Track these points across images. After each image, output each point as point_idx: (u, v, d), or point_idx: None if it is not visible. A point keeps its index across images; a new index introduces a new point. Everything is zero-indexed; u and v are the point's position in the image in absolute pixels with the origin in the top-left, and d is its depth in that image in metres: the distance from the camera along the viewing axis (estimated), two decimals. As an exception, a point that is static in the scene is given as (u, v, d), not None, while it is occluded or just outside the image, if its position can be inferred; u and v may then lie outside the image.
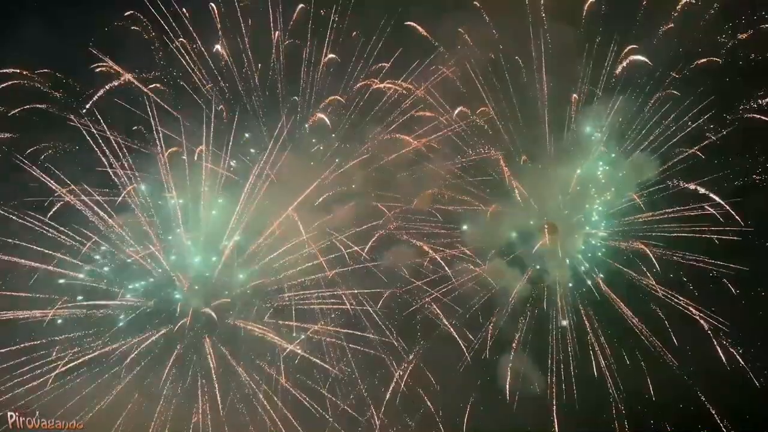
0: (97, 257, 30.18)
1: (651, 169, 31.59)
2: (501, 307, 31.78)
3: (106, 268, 30.09)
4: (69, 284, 29.48)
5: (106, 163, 29.84)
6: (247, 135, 31.83)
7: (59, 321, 29.09)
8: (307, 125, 32.04)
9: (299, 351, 29.86)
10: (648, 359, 30.25)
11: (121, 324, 29.66)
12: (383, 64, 31.47)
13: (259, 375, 30.11)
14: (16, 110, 29.55)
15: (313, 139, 32.01)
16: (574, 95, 31.79)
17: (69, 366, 28.45)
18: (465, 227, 32.48)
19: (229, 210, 30.66)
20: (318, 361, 30.00)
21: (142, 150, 30.77)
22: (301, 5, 31.63)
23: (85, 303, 29.47)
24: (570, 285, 32.40)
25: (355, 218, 31.16)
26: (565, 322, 31.51)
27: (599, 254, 32.45)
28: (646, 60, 30.61)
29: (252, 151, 31.04)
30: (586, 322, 31.57)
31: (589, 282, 32.03)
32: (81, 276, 29.71)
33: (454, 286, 31.30)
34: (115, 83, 30.16)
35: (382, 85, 31.55)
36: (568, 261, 32.60)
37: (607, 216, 32.69)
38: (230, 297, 30.57)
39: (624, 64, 30.93)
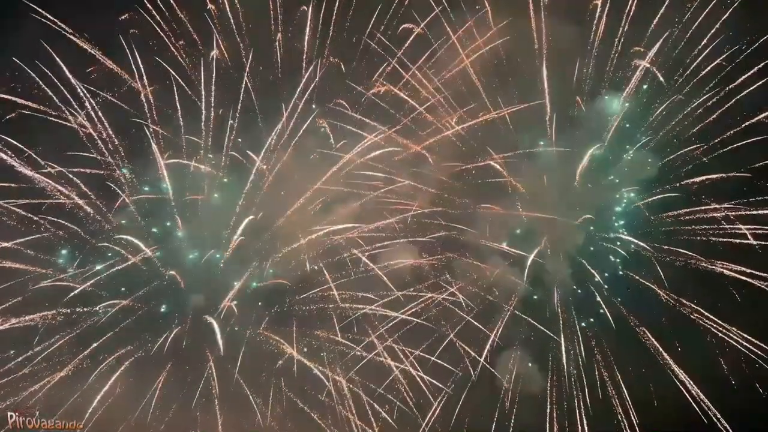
0: (95, 260, 30.17)
1: (652, 171, 31.60)
2: (501, 310, 31.70)
3: (104, 273, 29.97)
4: (67, 287, 29.37)
5: (103, 165, 29.98)
6: (247, 137, 31.68)
7: (55, 325, 29.13)
8: (305, 126, 31.92)
9: (300, 357, 29.88)
10: (650, 364, 30.29)
11: (118, 329, 29.61)
12: (384, 66, 31.29)
13: (259, 381, 30.15)
14: (14, 113, 29.41)
15: (314, 142, 31.82)
16: (577, 96, 31.79)
17: (66, 370, 28.59)
18: (465, 229, 32.30)
19: (228, 213, 30.62)
20: (318, 366, 30.02)
21: (140, 152, 30.66)
22: (302, 7, 31.43)
23: (83, 309, 29.44)
24: (572, 286, 32.42)
25: (356, 221, 31.00)
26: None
27: (599, 254, 32.47)
28: (649, 65, 30.58)
29: (252, 153, 30.85)
30: (588, 331, 31.64)
31: (590, 284, 32.02)
32: (79, 279, 29.64)
33: (455, 289, 31.20)
34: (114, 86, 30.21)
35: (382, 89, 31.42)
36: (568, 262, 32.60)
37: (606, 216, 32.76)
38: (230, 302, 30.51)
39: (631, 66, 31.01)
